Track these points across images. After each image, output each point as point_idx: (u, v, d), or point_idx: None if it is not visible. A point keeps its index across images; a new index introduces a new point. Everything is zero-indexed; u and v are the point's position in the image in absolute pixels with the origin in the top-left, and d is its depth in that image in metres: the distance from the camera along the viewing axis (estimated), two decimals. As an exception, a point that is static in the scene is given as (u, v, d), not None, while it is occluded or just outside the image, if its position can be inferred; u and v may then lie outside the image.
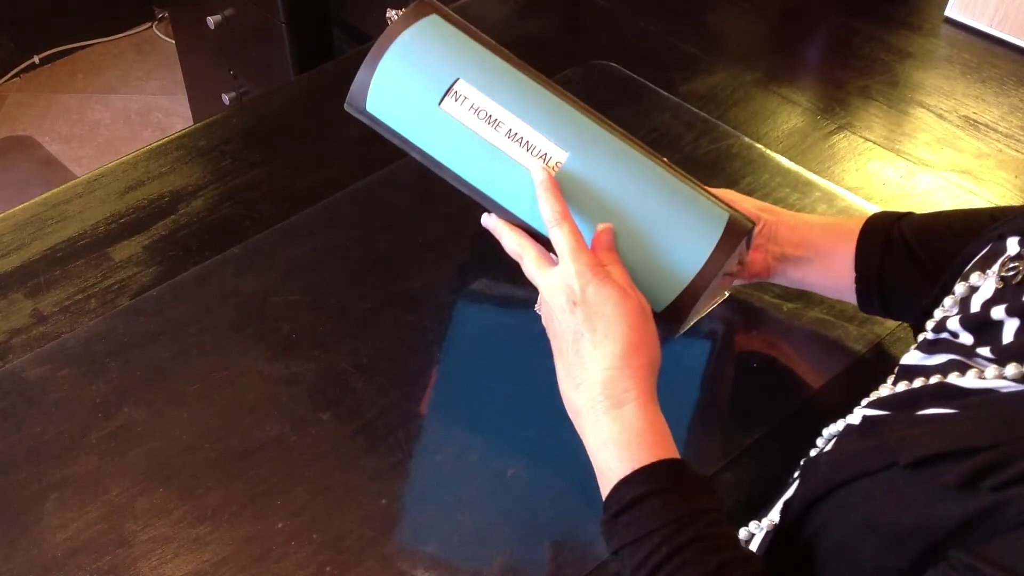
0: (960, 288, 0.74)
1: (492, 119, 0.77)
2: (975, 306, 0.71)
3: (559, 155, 0.76)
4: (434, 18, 0.80)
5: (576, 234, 0.75)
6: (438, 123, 0.79)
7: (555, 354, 0.77)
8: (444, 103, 0.78)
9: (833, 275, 0.94)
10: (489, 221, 0.82)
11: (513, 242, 0.80)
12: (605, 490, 0.72)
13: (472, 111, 0.78)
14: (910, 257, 0.90)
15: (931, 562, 0.59)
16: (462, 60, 0.79)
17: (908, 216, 0.93)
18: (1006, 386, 0.64)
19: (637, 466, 0.70)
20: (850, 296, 0.95)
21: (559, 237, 0.75)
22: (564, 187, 0.75)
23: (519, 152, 0.77)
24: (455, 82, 0.78)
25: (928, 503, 0.60)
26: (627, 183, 0.77)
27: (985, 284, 0.72)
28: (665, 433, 0.73)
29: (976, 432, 0.61)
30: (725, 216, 0.78)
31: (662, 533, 0.67)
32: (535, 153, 0.76)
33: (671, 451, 0.72)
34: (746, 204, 0.94)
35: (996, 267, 0.72)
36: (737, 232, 0.77)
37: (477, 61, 0.79)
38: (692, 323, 0.86)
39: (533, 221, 0.79)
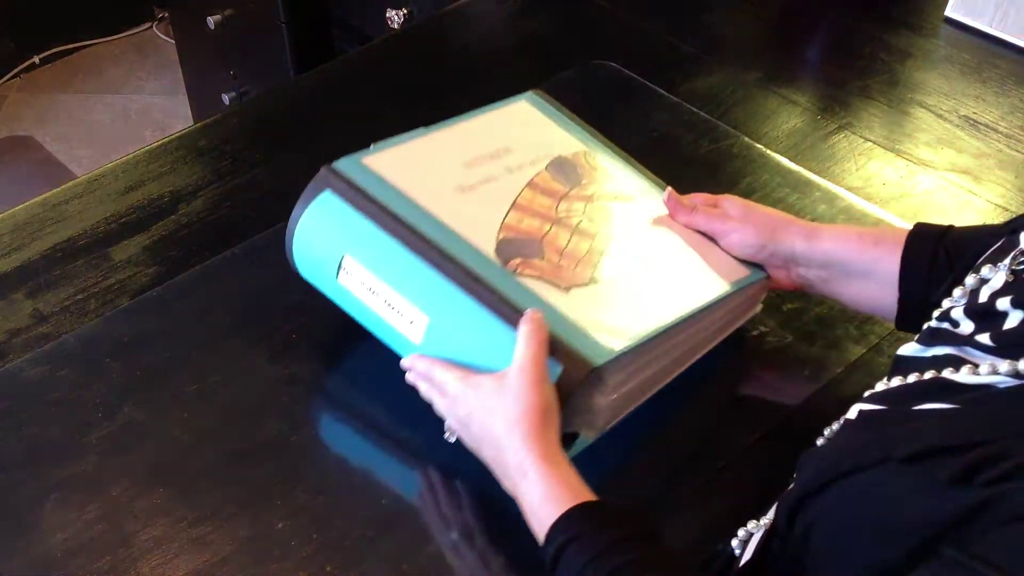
0: (971, 280, 0.74)
1: (372, 290, 0.89)
2: (983, 297, 0.71)
3: (423, 318, 0.86)
4: (327, 195, 0.92)
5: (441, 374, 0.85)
6: (339, 291, 0.92)
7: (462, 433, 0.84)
8: (339, 276, 0.91)
9: (871, 294, 0.93)
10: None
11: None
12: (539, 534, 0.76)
13: (359, 282, 0.90)
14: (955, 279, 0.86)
15: (924, 557, 0.59)
16: (348, 237, 0.90)
17: (950, 232, 0.90)
18: (1002, 381, 0.64)
19: (547, 528, 0.74)
20: (885, 313, 0.93)
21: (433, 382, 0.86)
22: (432, 338, 0.86)
23: (395, 317, 0.88)
24: (343, 258, 0.90)
25: (922, 498, 0.60)
26: (478, 340, 0.85)
27: (996, 277, 0.72)
28: (569, 483, 0.76)
29: (971, 427, 0.62)
30: (557, 370, 0.82)
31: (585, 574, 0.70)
32: (406, 316, 0.87)
33: (580, 497, 0.75)
34: (759, 215, 0.95)
35: (1007, 261, 0.72)
36: (572, 382, 0.82)
37: (360, 237, 0.90)
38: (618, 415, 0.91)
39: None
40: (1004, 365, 0.64)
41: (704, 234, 0.98)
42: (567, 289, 0.87)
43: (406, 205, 0.90)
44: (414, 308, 0.87)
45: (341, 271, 0.91)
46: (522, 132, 1.02)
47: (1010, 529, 0.56)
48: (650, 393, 0.93)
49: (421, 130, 1.00)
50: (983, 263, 0.75)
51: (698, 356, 0.97)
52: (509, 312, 0.83)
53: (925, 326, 0.76)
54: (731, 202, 0.97)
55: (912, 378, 0.70)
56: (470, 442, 0.83)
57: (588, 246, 0.92)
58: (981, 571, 0.55)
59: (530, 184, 0.96)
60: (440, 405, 0.85)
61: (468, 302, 0.85)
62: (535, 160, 0.99)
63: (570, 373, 0.82)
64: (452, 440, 0.87)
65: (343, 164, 0.93)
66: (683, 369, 0.95)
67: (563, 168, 0.99)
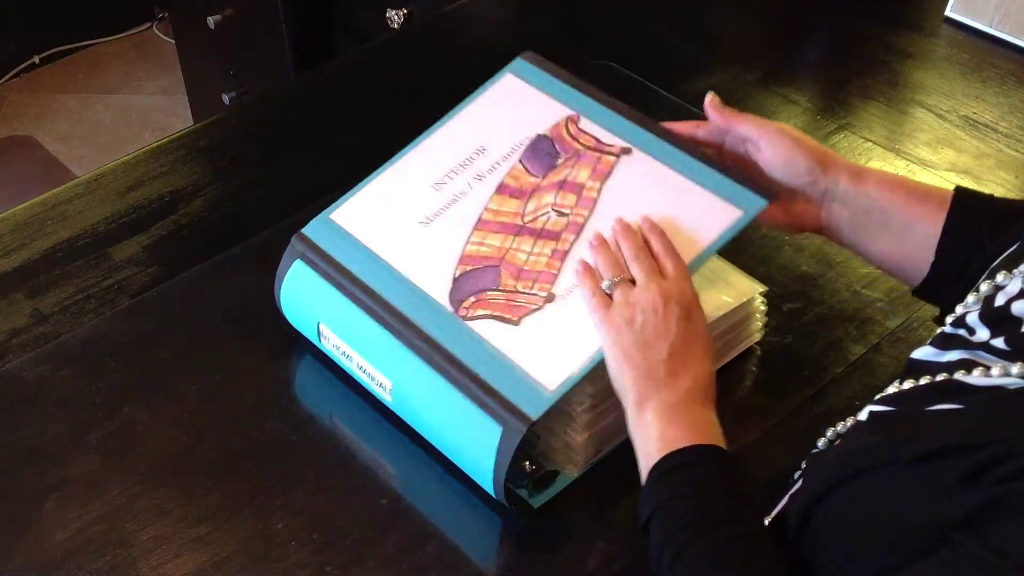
0: (985, 286, 0.73)
1: (345, 354, 0.94)
2: (999, 303, 0.71)
3: (387, 382, 0.90)
4: (299, 266, 0.97)
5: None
6: (325, 352, 0.97)
7: (630, 348, 0.80)
8: (320, 340, 0.97)
9: (903, 252, 0.87)
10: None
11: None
12: (652, 460, 0.75)
13: (334, 347, 0.95)
14: (990, 256, 0.82)
15: (935, 550, 0.59)
16: (319, 307, 0.95)
17: (994, 204, 0.86)
18: (1013, 383, 0.64)
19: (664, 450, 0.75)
20: (909, 275, 0.88)
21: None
22: (399, 399, 0.90)
23: (368, 379, 0.93)
24: (319, 324, 0.95)
25: (931, 498, 0.60)
26: (433, 402, 0.88)
27: (1012, 283, 0.71)
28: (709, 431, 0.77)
29: (980, 427, 0.61)
30: (497, 431, 0.83)
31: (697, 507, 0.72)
32: (375, 380, 0.92)
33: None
34: (810, 143, 0.89)
35: (1023, 267, 0.72)
36: (511, 444, 0.83)
37: (329, 306, 0.94)
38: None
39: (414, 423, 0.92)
40: (1016, 367, 0.64)
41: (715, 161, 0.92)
42: (518, 321, 0.87)
43: (369, 263, 0.93)
44: (379, 373, 0.91)
45: (320, 336, 0.96)
46: (501, 120, 1.02)
47: (1020, 522, 0.56)
48: None
49: (396, 158, 1.01)
50: (998, 268, 0.74)
51: None
52: (456, 374, 0.85)
53: (939, 331, 0.75)
54: (782, 127, 0.90)
55: (924, 380, 0.70)
56: (632, 336, 0.80)
57: (551, 249, 0.91)
58: (993, 561, 0.55)
59: (499, 189, 0.96)
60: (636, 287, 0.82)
61: (422, 367, 0.87)
62: (509, 153, 0.98)
63: (509, 435, 0.82)
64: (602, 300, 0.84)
65: (312, 228, 0.97)
66: None
67: (538, 152, 0.98)
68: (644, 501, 0.74)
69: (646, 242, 0.86)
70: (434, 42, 1.47)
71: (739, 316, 0.96)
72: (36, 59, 3.01)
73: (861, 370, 0.99)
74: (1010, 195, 1.19)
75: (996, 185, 1.21)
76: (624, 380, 0.79)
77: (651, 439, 0.76)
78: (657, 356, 0.78)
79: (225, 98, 2.33)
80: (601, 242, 0.87)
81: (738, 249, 1.02)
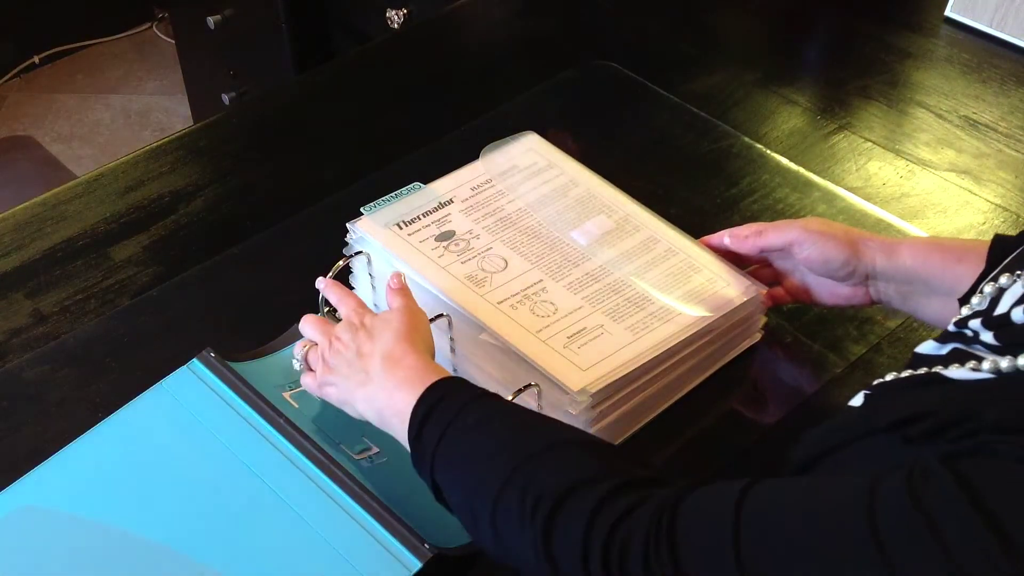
0: (989, 288, 0.73)
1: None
2: (1002, 307, 0.71)
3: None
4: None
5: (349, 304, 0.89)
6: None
7: (337, 380, 0.85)
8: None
9: (953, 311, 0.87)
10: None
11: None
12: (405, 425, 0.78)
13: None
14: None
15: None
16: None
17: None
18: (992, 376, 0.65)
19: (427, 385, 0.78)
20: None
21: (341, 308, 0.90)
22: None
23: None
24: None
25: (897, 457, 0.61)
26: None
27: (1015, 285, 0.72)
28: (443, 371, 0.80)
29: (949, 399, 0.63)
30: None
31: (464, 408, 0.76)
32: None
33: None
34: (838, 233, 0.92)
35: None
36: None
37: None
38: None
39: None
40: (1005, 362, 0.64)
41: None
42: None
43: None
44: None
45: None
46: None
47: (980, 463, 0.56)
48: (643, 420, 0.94)
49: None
50: (1001, 272, 0.75)
51: (693, 385, 0.97)
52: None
53: (942, 330, 0.76)
54: (806, 220, 0.95)
55: (918, 371, 0.70)
56: (347, 343, 0.84)
57: None
58: (947, 479, 0.55)
59: None
60: (344, 316, 0.88)
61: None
62: None
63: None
64: (299, 366, 0.91)
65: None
66: (672, 401, 0.96)
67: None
68: (420, 470, 0.77)
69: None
70: (434, 42, 1.47)
71: (739, 316, 0.96)
72: (36, 59, 3.01)
73: (861, 370, 0.99)
74: (1010, 195, 1.19)
75: (996, 185, 1.21)
76: (356, 407, 0.84)
77: (391, 420, 0.80)
78: (352, 372, 0.83)
79: (225, 98, 2.33)
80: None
81: (738, 249, 1.02)
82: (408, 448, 0.78)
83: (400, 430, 0.78)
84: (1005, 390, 0.63)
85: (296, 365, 0.91)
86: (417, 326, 0.85)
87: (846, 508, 0.58)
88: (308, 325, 0.90)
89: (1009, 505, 0.54)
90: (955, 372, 0.67)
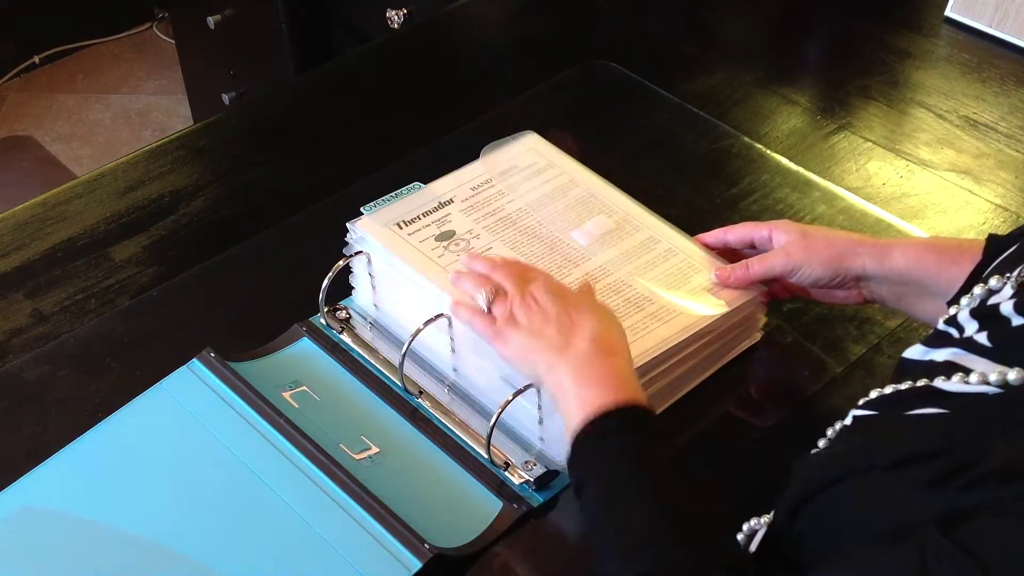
0: (978, 289, 0.73)
1: None
2: (990, 303, 0.71)
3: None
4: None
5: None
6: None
7: (523, 333, 0.84)
8: None
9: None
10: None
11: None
12: (573, 422, 0.78)
13: None
14: None
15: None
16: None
17: None
18: (992, 390, 0.64)
19: (628, 396, 0.78)
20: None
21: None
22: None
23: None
24: None
25: (905, 502, 0.60)
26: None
27: (1005, 288, 0.71)
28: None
29: (952, 433, 0.62)
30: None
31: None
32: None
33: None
34: (820, 244, 0.92)
35: (1015, 273, 0.71)
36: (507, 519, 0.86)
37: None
38: None
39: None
40: (994, 375, 0.64)
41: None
42: None
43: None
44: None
45: None
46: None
47: (988, 524, 0.55)
48: None
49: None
50: (991, 273, 0.74)
51: (693, 385, 0.97)
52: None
53: (932, 329, 0.76)
54: (787, 234, 0.94)
55: (906, 385, 0.70)
56: (545, 302, 0.84)
57: None
58: (960, 558, 0.55)
59: None
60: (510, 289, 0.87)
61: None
62: None
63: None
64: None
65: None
66: (672, 401, 0.96)
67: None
68: (572, 470, 0.78)
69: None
70: (434, 42, 1.47)
71: (739, 316, 0.96)
72: (36, 59, 3.01)
73: (861, 370, 0.99)
74: (1010, 195, 1.19)
75: (996, 185, 1.21)
76: (535, 367, 0.83)
77: (569, 401, 0.79)
78: (550, 336, 0.83)
79: (225, 98, 2.33)
80: (460, 274, 0.91)
81: (738, 249, 1.02)
82: (560, 430, 0.80)
83: (573, 415, 0.78)
84: (1015, 414, 0.62)
85: (480, 300, 0.87)
86: (619, 326, 0.85)
87: None
88: (497, 271, 0.89)
89: (1016, 570, 0.54)
90: (954, 386, 0.66)
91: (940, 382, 0.67)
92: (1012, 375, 0.63)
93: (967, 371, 0.66)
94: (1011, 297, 0.69)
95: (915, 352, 0.74)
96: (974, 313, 0.71)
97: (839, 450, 0.71)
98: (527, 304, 0.85)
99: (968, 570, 0.54)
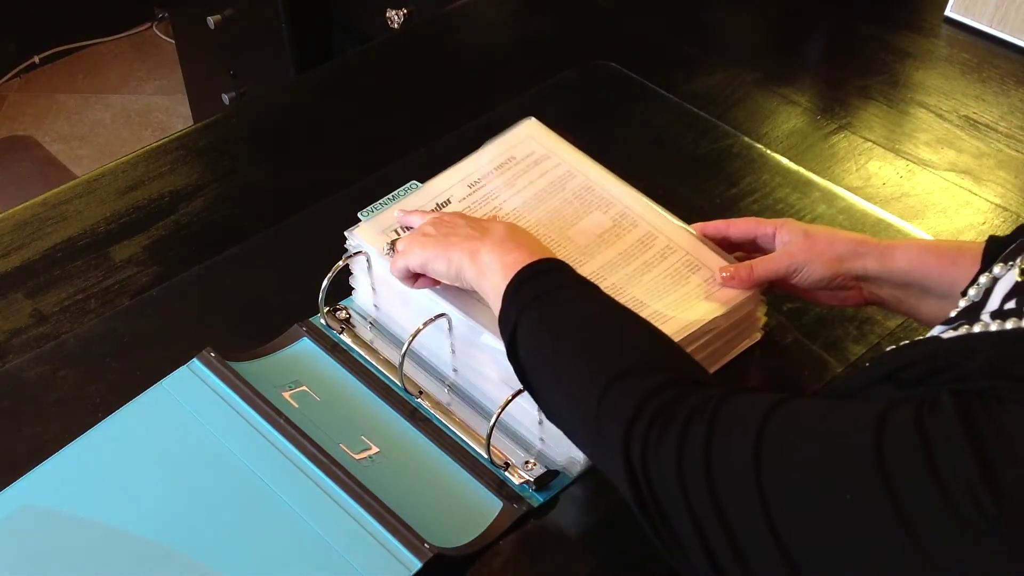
0: (984, 279, 0.74)
1: None
2: (995, 296, 0.71)
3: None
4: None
5: None
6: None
7: (435, 238, 0.88)
8: None
9: (948, 312, 0.87)
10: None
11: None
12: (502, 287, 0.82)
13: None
14: None
15: None
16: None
17: None
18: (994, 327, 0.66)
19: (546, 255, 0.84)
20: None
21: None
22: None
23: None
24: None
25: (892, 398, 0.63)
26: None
27: (1006, 276, 0.72)
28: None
29: (951, 349, 0.65)
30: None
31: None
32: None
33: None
34: (822, 244, 0.92)
35: (1018, 260, 0.72)
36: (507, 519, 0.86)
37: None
38: None
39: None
40: (994, 326, 0.65)
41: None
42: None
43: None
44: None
45: None
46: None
47: (992, 404, 0.57)
48: None
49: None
50: (997, 262, 0.75)
51: None
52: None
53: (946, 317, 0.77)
54: (791, 234, 0.94)
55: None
56: (431, 239, 0.88)
57: None
58: (955, 417, 0.57)
59: None
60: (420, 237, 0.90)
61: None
62: None
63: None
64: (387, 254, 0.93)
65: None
66: None
67: None
68: (504, 320, 0.80)
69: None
70: (434, 42, 1.47)
71: (739, 315, 0.96)
72: (36, 59, 3.01)
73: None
74: (1010, 195, 1.19)
75: (996, 185, 1.21)
76: (456, 262, 0.86)
77: (495, 272, 0.83)
78: (464, 232, 0.87)
79: (225, 98, 2.33)
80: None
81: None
82: (489, 302, 0.83)
83: (499, 281, 0.82)
84: (993, 340, 0.64)
85: (383, 250, 0.94)
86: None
87: (857, 425, 0.61)
88: (408, 215, 0.95)
89: (1002, 443, 0.56)
90: (950, 334, 0.68)
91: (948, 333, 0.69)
92: (1009, 324, 0.64)
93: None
94: (1015, 290, 0.69)
95: (933, 331, 0.75)
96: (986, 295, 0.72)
97: (846, 375, 0.77)
98: (438, 220, 0.90)
99: (953, 421, 0.57)
